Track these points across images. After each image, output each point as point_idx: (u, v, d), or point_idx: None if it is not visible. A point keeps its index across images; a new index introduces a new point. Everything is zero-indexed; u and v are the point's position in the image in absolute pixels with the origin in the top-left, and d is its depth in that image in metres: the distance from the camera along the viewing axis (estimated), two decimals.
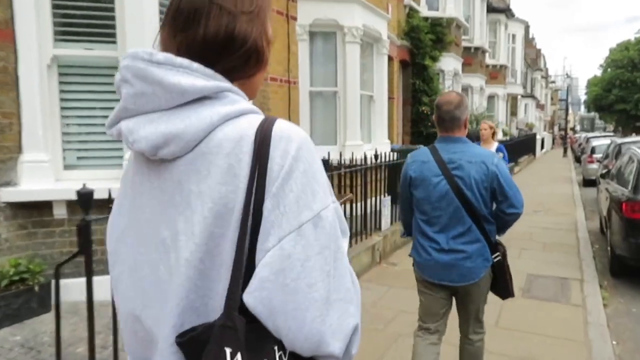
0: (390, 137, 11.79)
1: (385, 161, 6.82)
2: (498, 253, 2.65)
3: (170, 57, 0.83)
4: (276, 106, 7.07)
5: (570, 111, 43.88)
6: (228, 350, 0.76)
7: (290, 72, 7.42)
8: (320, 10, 7.61)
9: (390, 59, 11.44)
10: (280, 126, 0.84)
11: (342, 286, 0.83)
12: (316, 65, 8.00)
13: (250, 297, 0.79)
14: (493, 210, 2.65)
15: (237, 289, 0.79)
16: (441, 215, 2.59)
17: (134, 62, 0.83)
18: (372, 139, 9.11)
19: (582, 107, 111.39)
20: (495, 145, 6.18)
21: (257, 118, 0.86)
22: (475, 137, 13.38)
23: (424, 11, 13.48)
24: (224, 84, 0.86)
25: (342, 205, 1.01)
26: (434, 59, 13.28)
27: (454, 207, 2.54)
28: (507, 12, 23.97)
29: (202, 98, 0.84)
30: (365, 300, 4.92)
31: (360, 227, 5.93)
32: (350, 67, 7.86)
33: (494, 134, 6.32)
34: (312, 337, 0.79)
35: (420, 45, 12.72)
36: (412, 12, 12.72)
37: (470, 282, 2.60)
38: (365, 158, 6.30)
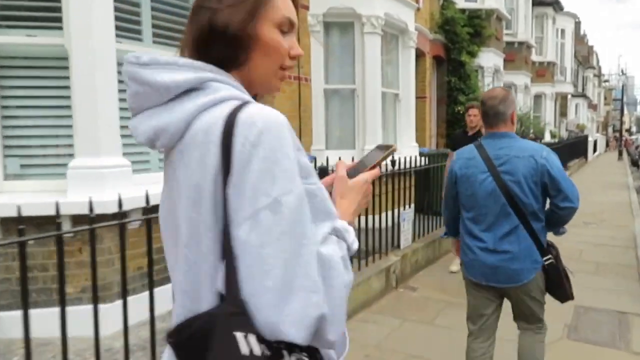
0: (420, 139, 10.82)
1: (407, 167, 5.92)
2: (550, 256, 2.55)
3: (154, 57, 0.91)
4: (282, 105, 6.29)
5: (625, 111, 41.29)
6: (239, 334, 0.80)
7: (301, 67, 6.63)
8: None
9: (421, 54, 10.49)
10: (248, 111, 0.86)
11: (306, 274, 0.83)
12: (332, 60, 7.18)
13: (219, 283, 0.84)
14: (546, 208, 2.58)
15: (234, 277, 0.82)
16: (487, 213, 2.55)
17: (127, 66, 0.92)
18: (397, 142, 8.20)
19: (639, 107, 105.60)
20: None
21: (233, 105, 0.88)
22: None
23: (461, 2, 12.41)
24: (207, 74, 0.91)
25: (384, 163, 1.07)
26: (472, 55, 12.19)
27: (501, 205, 2.49)
28: (554, 5, 22.36)
29: (189, 90, 0.90)
30: (369, 338, 4.05)
31: (373, 246, 5.07)
32: (369, 62, 7.00)
33: None
34: (269, 325, 0.81)
35: (456, 40, 11.67)
36: (446, 4, 11.69)
37: (517, 285, 2.54)
38: (380, 165, 5.50)
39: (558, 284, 2.61)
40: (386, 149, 1.16)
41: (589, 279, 5.78)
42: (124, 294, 2.45)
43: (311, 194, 0.89)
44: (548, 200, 2.57)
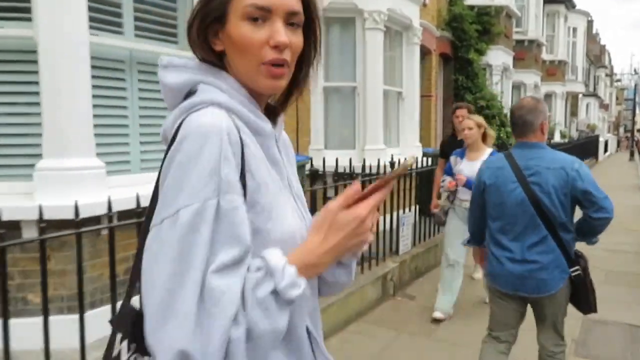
0: (426, 139, 10.54)
1: (409, 168, 5.65)
2: (578, 267, 2.53)
3: (172, 59, 0.93)
4: None
5: (637, 111, 40.57)
6: (119, 336, 0.87)
7: None
8: None
9: (428, 51, 10.19)
10: (192, 116, 0.84)
11: (182, 302, 0.75)
12: (332, 56, 6.91)
13: None
14: (574, 220, 2.61)
15: (135, 277, 0.86)
16: (516, 223, 2.54)
17: (158, 69, 0.95)
18: (400, 142, 7.93)
19: None
20: (487, 152, 4.28)
21: (198, 109, 0.87)
22: (501, 146, 11.59)
23: None
24: (197, 76, 0.91)
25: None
26: (480, 52, 11.86)
27: (529, 215, 2.50)
28: (566, 2, 21.91)
29: (190, 93, 0.91)
30: (361, 352, 3.80)
31: (370, 252, 4.81)
32: (371, 59, 6.72)
33: (484, 136, 4.38)
34: (147, 343, 0.78)
35: (464, 37, 11.35)
36: (454, 0, 11.38)
37: (545, 294, 2.54)
38: (378, 165, 5.34)
39: (584, 296, 2.59)
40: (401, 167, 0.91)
41: (598, 289, 5.39)
42: (81, 308, 2.22)
43: (221, 214, 0.78)
44: (579, 210, 2.59)
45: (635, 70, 43.53)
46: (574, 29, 24.48)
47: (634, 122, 40.07)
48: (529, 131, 2.58)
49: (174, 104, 0.91)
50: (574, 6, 23.36)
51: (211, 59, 0.93)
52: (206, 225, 0.77)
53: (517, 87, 16.56)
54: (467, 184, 4.13)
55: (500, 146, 12.84)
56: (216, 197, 0.78)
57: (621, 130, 55.64)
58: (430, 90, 10.48)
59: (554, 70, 21.38)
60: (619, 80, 55.15)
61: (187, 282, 0.75)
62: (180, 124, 0.84)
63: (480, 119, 4.48)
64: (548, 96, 21.49)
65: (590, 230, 2.58)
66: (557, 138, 20.56)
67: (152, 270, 0.77)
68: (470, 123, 4.35)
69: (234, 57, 0.91)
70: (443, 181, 4.64)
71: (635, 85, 42.16)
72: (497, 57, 12.64)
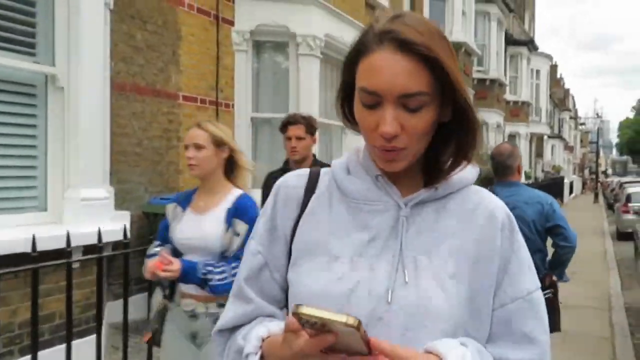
0: None
1: None
2: (549, 290, 3.11)
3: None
4: None
5: (601, 154, 41.33)
6: None
7: (221, 91, 5.65)
8: (267, 14, 5.88)
9: None
10: None
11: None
12: (263, 84, 6.22)
13: None
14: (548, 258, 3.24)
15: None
16: None
17: None
18: None
19: (614, 151, 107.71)
20: (232, 195, 2.30)
21: None
22: (488, 182, 11.26)
23: None
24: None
25: None
26: None
27: None
28: (529, 44, 22.13)
29: None
30: None
31: None
32: (305, 88, 6.04)
33: (232, 164, 2.40)
34: None
35: None
36: None
37: None
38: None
39: (551, 315, 3.23)
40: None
41: (555, 355, 4.71)
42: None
43: (248, 251, 1.02)
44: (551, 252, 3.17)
45: (597, 114, 44.64)
46: (537, 71, 24.75)
47: (597, 164, 40.73)
48: (509, 173, 3.13)
49: None
50: (536, 48, 23.67)
51: (354, 128, 0.94)
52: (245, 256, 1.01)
53: (512, 141, 16.27)
54: (188, 275, 2.06)
55: (485, 181, 12.28)
56: (252, 238, 1.00)
57: (586, 172, 56.72)
58: None
59: (517, 111, 21.33)
60: (583, 124, 56.56)
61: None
62: None
63: (220, 131, 2.26)
64: (512, 136, 21.35)
65: (559, 261, 3.16)
66: (522, 179, 20.31)
67: None
68: (199, 136, 2.23)
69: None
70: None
71: (599, 129, 43.14)
72: None
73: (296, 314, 0.71)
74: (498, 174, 3.17)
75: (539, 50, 24.53)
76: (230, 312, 0.96)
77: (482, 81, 15.94)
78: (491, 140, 16.21)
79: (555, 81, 38.08)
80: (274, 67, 6.27)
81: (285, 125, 3.10)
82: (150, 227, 4.49)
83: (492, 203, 0.95)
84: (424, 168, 0.93)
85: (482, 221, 0.91)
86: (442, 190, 0.92)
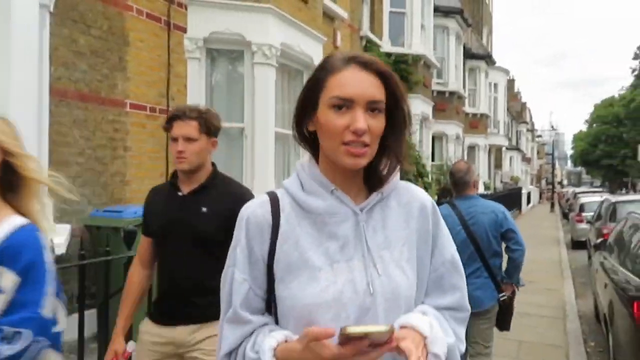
0: None
1: None
2: (504, 294, 3.44)
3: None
4: (140, 145, 5.04)
5: (557, 166, 42.70)
6: None
7: (172, 99, 5.46)
8: (220, 21, 5.73)
9: None
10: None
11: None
12: (217, 93, 6.07)
13: None
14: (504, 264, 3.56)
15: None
16: (460, 256, 2.86)
17: None
18: None
19: (569, 162, 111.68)
20: (8, 225, 1.52)
21: None
22: (447, 192, 11.33)
23: (386, 46, 11.82)
24: (297, 167, 1.21)
25: None
26: None
27: (470, 251, 3.36)
28: (487, 58, 22.67)
29: None
30: None
31: None
32: (260, 96, 5.92)
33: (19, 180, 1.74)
34: None
35: None
36: (370, 45, 11.03)
37: (478, 310, 3.24)
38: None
39: (505, 315, 3.54)
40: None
41: None
42: None
43: (232, 280, 1.12)
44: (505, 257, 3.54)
45: (552, 126, 46.15)
46: (495, 85, 25.34)
47: (553, 175, 41.97)
48: (467, 188, 3.54)
49: None
50: (494, 62, 24.26)
51: (304, 142, 1.15)
52: (226, 284, 1.12)
53: (439, 137, 16.44)
54: None
55: (444, 191, 12.31)
56: (232, 266, 1.12)
57: (543, 182, 58.43)
58: None
59: (476, 123, 21.74)
60: (539, 136, 58.41)
61: (221, 322, 1.13)
62: None
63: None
64: (472, 148, 21.74)
65: (513, 265, 3.48)
66: (481, 189, 20.65)
67: None
68: None
69: (321, 137, 1.08)
70: None
71: (554, 141, 44.54)
72: (416, 106, 12.34)
73: (344, 335, 0.87)
74: (457, 189, 3.57)
75: (497, 65, 25.14)
76: (230, 336, 1.10)
77: (441, 93, 16.19)
78: (450, 151, 16.43)
79: (513, 94, 39.19)
80: (228, 75, 6.13)
81: (170, 121, 2.17)
82: (93, 241, 4.25)
83: (420, 195, 1.18)
84: (364, 177, 1.12)
85: (416, 212, 1.15)
86: (385, 193, 1.13)
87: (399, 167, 1.12)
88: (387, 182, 1.11)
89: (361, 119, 1.01)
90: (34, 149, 3.50)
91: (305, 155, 1.16)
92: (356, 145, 1.01)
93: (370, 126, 1.02)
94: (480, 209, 3.42)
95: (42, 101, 3.92)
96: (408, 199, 1.15)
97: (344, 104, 1.02)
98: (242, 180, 6.03)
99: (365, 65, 1.04)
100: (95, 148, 4.58)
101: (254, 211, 1.09)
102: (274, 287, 1.07)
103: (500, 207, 3.52)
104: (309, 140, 1.13)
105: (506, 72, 26.99)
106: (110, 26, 4.72)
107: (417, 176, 10.74)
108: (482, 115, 22.20)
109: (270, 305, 1.10)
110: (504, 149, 29.18)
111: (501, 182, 27.94)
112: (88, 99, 4.51)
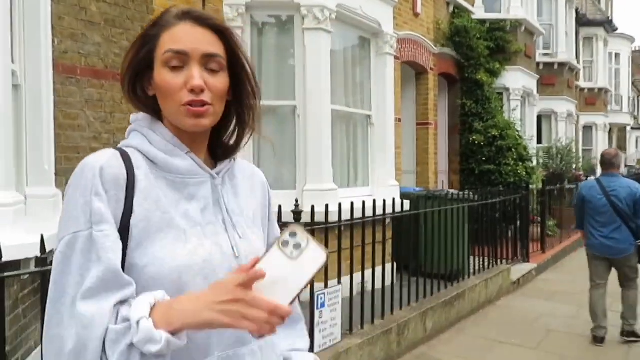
0: (421, 177, 8.69)
1: (362, 216, 3.99)
2: (639, 240, 4.73)
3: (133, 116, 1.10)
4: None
5: None
6: None
7: None
8: None
9: (422, 70, 8.47)
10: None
11: (56, 329, 0.85)
12: (265, 67, 5.29)
13: None
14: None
15: None
16: (603, 217, 4.79)
17: None
18: (370, 179, 6.13)
19: None
20: None
21: None
22: (557, 177, 9.87)
23: (479, 12, 10.33)
24: (132, 126, 1.05)
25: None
26: (493, 74, 9.99)
27: (610, 212, 4.74)
28: (606, 25, 19.73)
29: None
30: None
31: None
32: (312, 69, 5.03)
33: None
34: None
35: (472, 55, 9.53)
36: (458, 12, 9.65)
37: (621, 256, 4.78)
38: (327, 212, 3.83)
39: None
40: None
41: None
42: None
43: (93, 244, 0.88)
44: None
45: None
46: (617, 55, 22.12)
47: None
48: (612, 167, 4.91)
49: None
50: (615, 29, 21.13)
51: (141, 107, 1.04)
52: (76, 255, 0.87)
53: (546, 116, 14.45)
54: None
55: (554, 176, 10.63)
56: (88, 228, 0.88)
57: None
58: (427, 117, 8.67)
59: (593, 100, 19.06)
60: None
61: (61, 308, 0.86)
62: None
63: None
64: (588, 128, 19.16)
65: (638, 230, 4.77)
66: (599, 174, 18.10)
67: (48, 293, 0.89)
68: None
69: (161, 101, 1.00)
70: None
71: None
72: (516, 79, 10.70)
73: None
74: (604, 167, 4.99)
75: (619, 32, 21.89)
76: (97, 312, 0.89)
77: (549, 65, 14.16)
78: (560, 131, 14.35)
79: (639, 66, 34.44)
80: (278, 46, 5.32)
81: None
82: None
83: (259, 171, 1.21)
84: (209, 145, 1.09)
85: (259, 185, 1.18)
86: (234, 161, 1.12)
87: (249, 133, 1.09)
88: (238, 149, 1.11)
89: (197, 75, 0.97)
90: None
91: (138, 113, 1.05)
92: (196, 105, 0.97)
93: (209, 84, 0.98)
94: (619, 184, 4.79)
95: (44, 78, 3.40)
96: (251, 172, 1.17)
97: (178, 61, 0.97)
98: (295, 167, 5.23)
99: (200, 21, 1.00)
100: (115, 132, 4.02)
101: (108, 161, 0.93)
102: (125, 256, 0.91)
103: (635, 184, 4.84)
104: (150, 105, 1.03)
105: (630, 39, 23.45)
106: None
107: (517, 160, 9.23)
108: (600, 90, 19.42)
109: None
110: (628, 128, 25.87)
111: (625, 166, 24.64)
112: (103, 75, 3.94)
